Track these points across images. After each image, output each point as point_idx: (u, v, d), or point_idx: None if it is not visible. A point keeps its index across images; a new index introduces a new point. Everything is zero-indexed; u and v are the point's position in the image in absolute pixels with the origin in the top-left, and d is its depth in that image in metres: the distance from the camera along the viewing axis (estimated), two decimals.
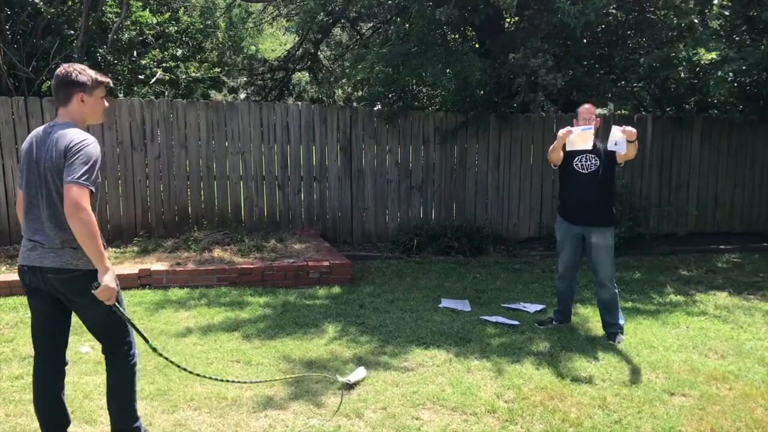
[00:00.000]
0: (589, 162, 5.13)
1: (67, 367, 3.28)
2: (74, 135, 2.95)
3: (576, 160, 5.16)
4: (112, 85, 3.37)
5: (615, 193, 5.25)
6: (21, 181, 3.10)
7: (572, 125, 5.17)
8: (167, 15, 12.23)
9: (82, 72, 3.06)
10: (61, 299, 3.07)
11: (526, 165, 9.11)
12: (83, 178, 2.85)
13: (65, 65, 3.09)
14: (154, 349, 3.37)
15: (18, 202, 3.18)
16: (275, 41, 18.34)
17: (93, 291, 2.92)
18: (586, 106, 5.25)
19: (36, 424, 3.34)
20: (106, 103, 3.22)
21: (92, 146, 2.94)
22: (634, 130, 4.83)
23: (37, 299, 3.11)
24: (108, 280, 2.92)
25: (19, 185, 3.15)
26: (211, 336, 5.17)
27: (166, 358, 3.47)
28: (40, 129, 3.10)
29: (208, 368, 4.50)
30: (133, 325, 3.24)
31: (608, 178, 5.14)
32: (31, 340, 3.21)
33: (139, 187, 8.16)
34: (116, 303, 3.06)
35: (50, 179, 2.95)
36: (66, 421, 3.28)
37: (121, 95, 10.20)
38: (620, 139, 4.87)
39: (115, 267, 6.64)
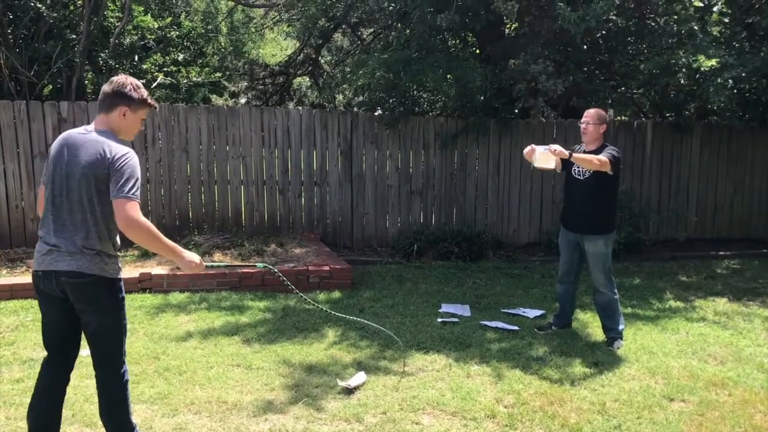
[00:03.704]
0: (583, 168, 5.11)
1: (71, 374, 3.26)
2: (117, 147, 2.98)
3: (575, 165, 5.16)
4: (157, 110, 3.42)
5: (611, 201, 5.20)
6: (45, 179, 3.09)
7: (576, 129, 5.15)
8: (169, 20, 12.30)
9: (136, 89, 3.10)
10: (73, 306, 3.04)
11: (526, 170, 9.12)
12: (132, 192, 2.92)
13: (124, 76, 3.14)
14: (269, 268, 3.85)
15: (40, 197, 3.16)
16: (276, 46, 18.41)
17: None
18: (588, 110, 5.23)
19: None
20: (143, 127, 3.26)
21: (135, 159, 3.01)
22: (554, 147, 4.82)
23: (50, 306, 3.09)
24: (186, 263, 3.14)
25: (42, 182, 3.13)
26: (212, 340, 5.18)
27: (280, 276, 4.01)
28: (74, 132, 3.09)
29: (209, 372, 4.51)
30: (232, 266, 3.94)
31: (602, 185, 5.06)
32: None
33: (140, 191, 8.15)
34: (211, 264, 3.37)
35: (83, 184, 2.95)
36: (56, 430, 3.23)
37: None
38: (539, 154, 4.85)
39: None
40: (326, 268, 6.95)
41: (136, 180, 2.96)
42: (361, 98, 9.90)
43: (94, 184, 2.95)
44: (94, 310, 3.03)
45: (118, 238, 3.12)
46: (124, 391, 3.19)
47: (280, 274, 4.06)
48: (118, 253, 3.13)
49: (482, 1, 7.99)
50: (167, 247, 3.05)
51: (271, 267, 3.89)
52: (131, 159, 2.98)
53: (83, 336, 3.16)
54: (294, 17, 12.50)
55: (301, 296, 4.43)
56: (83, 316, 3.06)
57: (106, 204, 2.97)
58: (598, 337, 5.40)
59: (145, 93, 3.13)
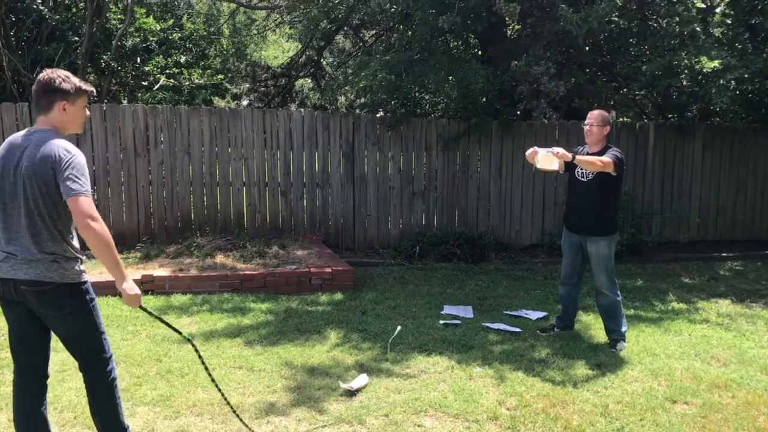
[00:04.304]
0: (586, 169, 5.11)
1: (48, 380, 3.18)
2: (62, 146, 2.86)
3: (578, 166, 5.15)
4: (95, 95, 3.27)
5: (614, 202, 5.20)
6: None
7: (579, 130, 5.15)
8: (171, 22, 12.32)
9: (66, 79, 2.95)
10: (35, 312, 2.96)
11: (528, 172, 9.12)
12: (84, 188, 2.82)
13: (48, 71, 2.99)
14: (189, 341, 3.53)
15: None
16: (278, 48, 18.41)
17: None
18: (592, 112, 5.23)
19: None
20: (88, 113, 3.13)
21: (81, 156, 2.90)
22: (557, 150, 4.85)
23: (14, 311, 3.01)
24: (128, 287, 2.97)
25: None
26: (214, 342, 5.18)
27: (198, 354, 3.56)
28: (17, 135, 2.99)
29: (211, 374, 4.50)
30: (164, 321, 3.34)
31: (605, 187, 5.07)
32: None
33: (143, 193, 8.18)
34: (141, 306, 3.11)
35: (29, 188, 2.85)
36: None
37: (125, 101, 10.25)
38: (542, 156, 4.89)
39: None
40: (328, 270, 6.94)
41: (85, 177, 2.86)
42: (363, 100, 9.91)
43: (38, 187, 2.84)
44: (57, 317, 2.96)
45: (75, 240, 3.01)
46: (110, 391, 3.13)
47: (196, 348, 3.56)
48: (80, 256, 3.02)
49: (484, 2, 8.00)
50: (115, 259, 2.89)
51: (190, 339, 3.55)
52: (77, 157, 2.87)
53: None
54: (296, 19, 12.51)
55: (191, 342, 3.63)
56: (48, 323, 3.00)
57: (52, 206, 2.87)
58: (601, 339, 5.39)
59: (77, 81, 2.99)
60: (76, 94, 2.98)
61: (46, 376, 3.16)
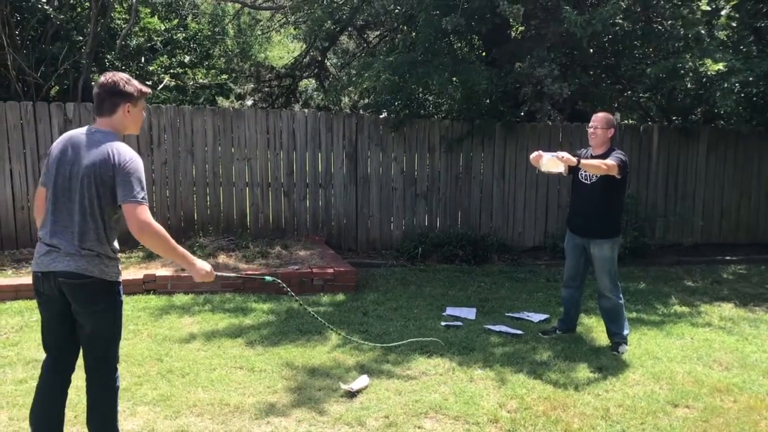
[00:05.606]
0: (590, 172, 5.10)
1: (72, 375, 3.22)
2: (124, 150, 2.97)
3: (581, 169, 5.14)
4: (150, 94, 3.39)
5: (618, 205, 5.19)
6: (45, 179, 3.06)
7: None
8: (175, 22, 12.34)
9: (129, 82, 3.06)
10: (69, 307, 3.00)
11: (531, 174, 9.10)
12: (141, 196, 2.91)
13: (110, 74, 3.08)
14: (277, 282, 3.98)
15: (38, 199, 3.12)
16: (283, 49, 18.44)
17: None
18: (597, 115, 5.22)
19: None
20: (144, 114, 3.24)
21: (140, 162, 3.01)
22: (562, 155, 4.83)
23: (49, 308, 3.05)
24: (197, 270, 3.16)
25: (41, 183, 3.10)
26: (215, 342, 5.18)
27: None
28: (79, 132, 3.05)
29: (211, 374, 4.51)
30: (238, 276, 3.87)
31: (609, 189, 5.05)
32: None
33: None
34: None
35: (85, 185, 2.93)
36: None
37: None
38: (546, 160, 4.87)
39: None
40: (330, 270, 6.94)
41: (143, 183, 2.96)
42: (366, 101, 9.91)
43: (96, 186, 2.93)
44: (89, 313, 3.00)
45: (116, 242, 3.08)
46: (114, 397, 3.14)
47: (289, 290, 4.11)
48: (118, 256, 3.10)
49: (488, 4, 7.99)
50: (179, 253, 3.04)
51: (279, 281, 3.94)
52: (137, 162, 2.98)
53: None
54: (300, 20, 12.52)
55: (310, 311, 4.44)
56: (79, 318, 3.02)
57: (106, 206, 2.96)
58: (603, 342, 5.38)
59: (137, 83, 3.11)
60: (138, 96, 3.10)
61: (73, 370, 3.20)
